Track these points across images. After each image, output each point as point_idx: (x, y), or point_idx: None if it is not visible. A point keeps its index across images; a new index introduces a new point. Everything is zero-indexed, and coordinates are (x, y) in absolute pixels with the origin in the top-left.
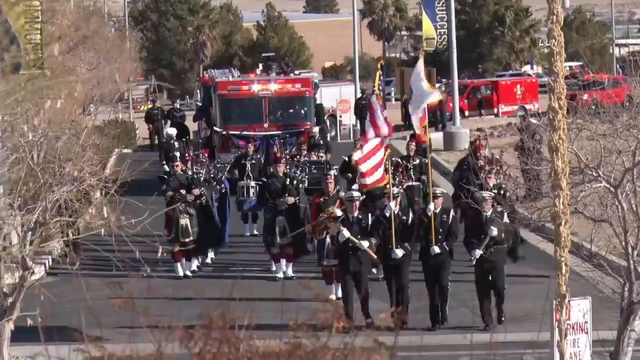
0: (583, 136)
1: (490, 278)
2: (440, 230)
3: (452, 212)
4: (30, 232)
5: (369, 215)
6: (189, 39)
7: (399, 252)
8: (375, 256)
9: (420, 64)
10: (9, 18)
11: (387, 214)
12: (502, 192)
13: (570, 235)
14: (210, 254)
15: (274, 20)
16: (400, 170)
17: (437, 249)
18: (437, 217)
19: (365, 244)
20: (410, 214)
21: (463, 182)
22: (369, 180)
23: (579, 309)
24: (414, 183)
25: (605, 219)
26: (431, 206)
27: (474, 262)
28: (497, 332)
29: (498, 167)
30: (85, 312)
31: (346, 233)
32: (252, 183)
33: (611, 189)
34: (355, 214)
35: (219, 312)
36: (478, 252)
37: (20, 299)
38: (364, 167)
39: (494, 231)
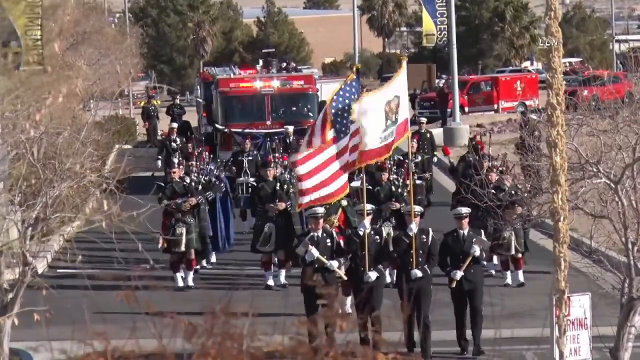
0: (583, 132)
1: (468, 300)
2: (421, 252)
3: (431, 233)
4: (30, 228)
5: (334, 233)
6: (189, 35)
7: (373, 275)
8: (346, 277)
9: (403, 74)
10: (10, 14)
11: (361, 233)
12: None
13: (570, 231)
14: (212, 257)
15: (274, 16)
16: (403, 168)
17: (418, 273)
18: (416, 238)
19: (334, 264)
20: (384, 233)
21: (465, 180)
22: (312, 197)
23: (579, 304)
24: (417, 181)
25: (605, 215)
26: (413, 226)
27: (453, 284)
28: (498, 329)
29: (504, 167)
30: (88, 306)
31: (315, 252)
32: (250, 180)
33: (611, 184)
34: (320, 231)
35: (221, 306)
36: (459, 274)
37: (20, 294)
38: (307, 184)
39: (477, 250)
